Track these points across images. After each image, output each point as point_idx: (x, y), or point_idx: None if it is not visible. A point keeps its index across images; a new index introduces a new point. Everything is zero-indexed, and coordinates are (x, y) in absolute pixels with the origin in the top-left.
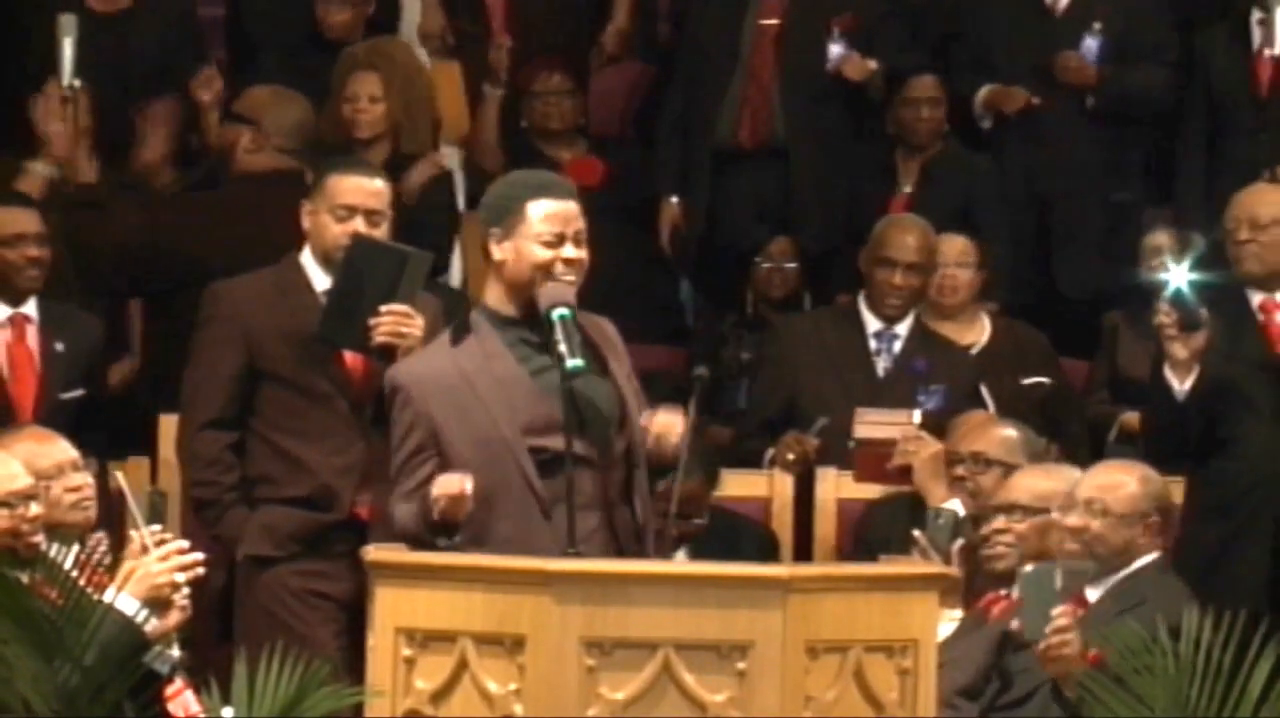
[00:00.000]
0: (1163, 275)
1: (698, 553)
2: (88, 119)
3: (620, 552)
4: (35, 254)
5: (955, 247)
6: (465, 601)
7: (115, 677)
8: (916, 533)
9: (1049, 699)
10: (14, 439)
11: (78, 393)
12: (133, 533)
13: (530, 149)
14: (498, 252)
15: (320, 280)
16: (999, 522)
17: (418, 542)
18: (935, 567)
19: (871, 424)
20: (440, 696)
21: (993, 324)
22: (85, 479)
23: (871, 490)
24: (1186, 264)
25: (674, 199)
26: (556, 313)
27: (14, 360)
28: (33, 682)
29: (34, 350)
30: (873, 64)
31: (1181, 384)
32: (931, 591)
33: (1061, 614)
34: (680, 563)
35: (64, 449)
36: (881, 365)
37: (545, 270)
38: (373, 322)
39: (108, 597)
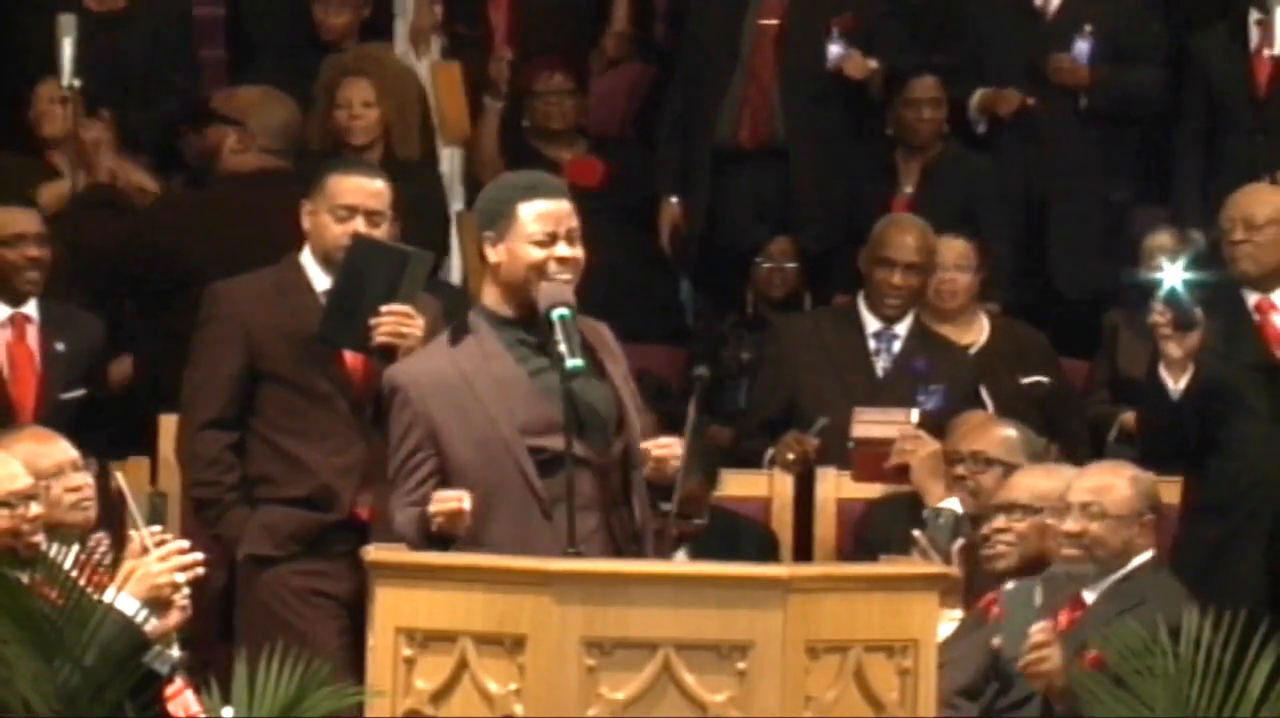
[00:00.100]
0: (1157, 275)
1: (698, 553)
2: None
3: (618, 553)
4: (35, 254)
5: (954, 250)
6: (465, 601)
7: (115, 677)
8: (916, 533)
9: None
10: (14, 439)
11: (78, 393)
12: (133, 533)
13: (530, 149)
14: (493, 254)
15: (320, 280)
16: (999, 521)
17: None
18: (935, 567)
19: (869, 424)
20: (440, 696)
21: (992, 324)
22: (85, 479)
23: (871, 490)
24: (1181, 263)
25: (674, 199)
26: (556, 313)
27: (14, 360)
28: (33, 682)
29: (34, 350)
30: (873, 63)
31: (1176, 383)
32: (931, 591)
33: (1039, 631)
34: (680, 563)
35: (64, 449)
36: (881, 365)
37: (540, 270)
38: (373, 322)
39: (108, 597)
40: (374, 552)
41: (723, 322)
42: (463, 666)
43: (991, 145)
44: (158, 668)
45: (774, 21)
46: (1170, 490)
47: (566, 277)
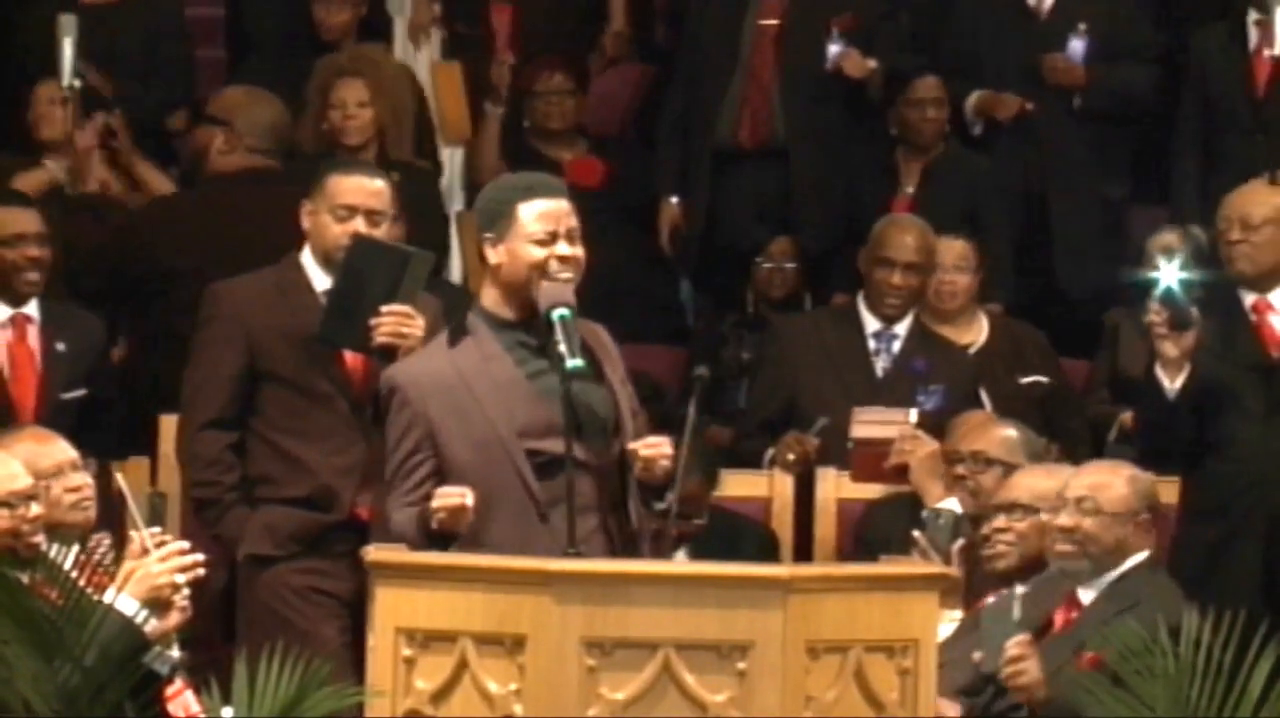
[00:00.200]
0: (1153, 274)
1: (698, 553)
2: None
3: (615, 556)
4: (36, 254)
5: (954, 250)
6: (465, 601)
7: (115, 677)
8: (916, 533)
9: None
10: (14, 439)
11: (79, 393)
12: (133, 534)
13: (530, 150)
14: (493, 255)
15: (321, 281)
16: (1000, 521)
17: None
18: (935, 567)
19: (868, 424)
20: (440, 696)
21: (991, 324)
22: (85, 479)
23: (871, 490)
24: (1177, 262)
25: (674, 199)
26: (557, 313)
27: (15, 360)
28: (33, 682)
29: (35, 350)
30: (872, 63)
31: (1172, 383)
32: (931, 591)
33: (1015, 644)
34: (680, 563)
35: (64, 449)
36: (880, 365)
37: (540, 269)
38: (374, 322)
39: (108, 597)
40: (374, 552)
41: (723, 322)
42: (463, 666)
43: (988, 145)
44: (158, 668)
45: (774, 21)
46: (1168, 491)
47: (568, 275)
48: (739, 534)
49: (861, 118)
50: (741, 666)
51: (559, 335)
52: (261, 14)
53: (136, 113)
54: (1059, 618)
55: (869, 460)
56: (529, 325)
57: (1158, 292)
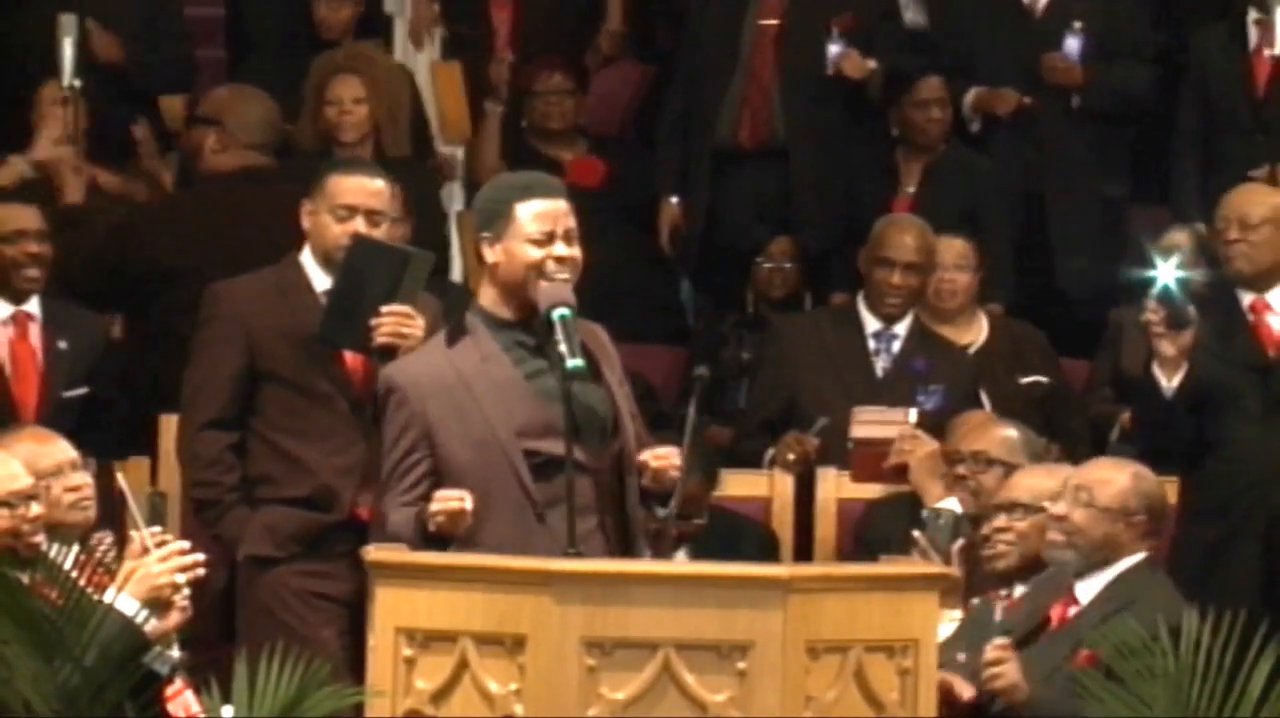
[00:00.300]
0: (1151, 273)
1: (698, 553)
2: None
3: (612, 556)
4: (36, 251)
5: (953, 250)
6: (465, 601)
7: (115, 677)
8: (916, 533)
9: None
10: (14, 439)
11: (80, 391)
12: (133, 534)
13: (530, 149)
14: (490, 255)
15: (321, 281)
16: (1000, 520)
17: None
18: (935, 567)
19: (868, 424)
20: (441, 696)
21: (991, 324)
22: (85, 479)
23: (871, 490)
24: (1174, 261)
25: (674, 199)
26: (557, 313)
27: (16, 359)
28: (33, 682)
29: (36, 349)
30: (872, 63)
31: (1169, 382)
32: (931, 591)
33: (994, 647)
34: (680, 563)
35: (64, 449)
36: (880, 365)
37: (538, 270)
38: (374, 322)
39: (108, 597)
40: (374, 552)
41: (723, 322)
42: (463, 666)
43: (986, 144)
44: (158, 668)
45: (774, 21)
46: (1168, 491)
47: (565, 276)
48: (739, 534)
49: (861, 118)
50: (741, 666)
51: (559, 335)
52: (261, 14)
53: (138, 83)
54: (1056, 615)
55: (869, 460)
56: (527, 325)
57: (1155, 290)
